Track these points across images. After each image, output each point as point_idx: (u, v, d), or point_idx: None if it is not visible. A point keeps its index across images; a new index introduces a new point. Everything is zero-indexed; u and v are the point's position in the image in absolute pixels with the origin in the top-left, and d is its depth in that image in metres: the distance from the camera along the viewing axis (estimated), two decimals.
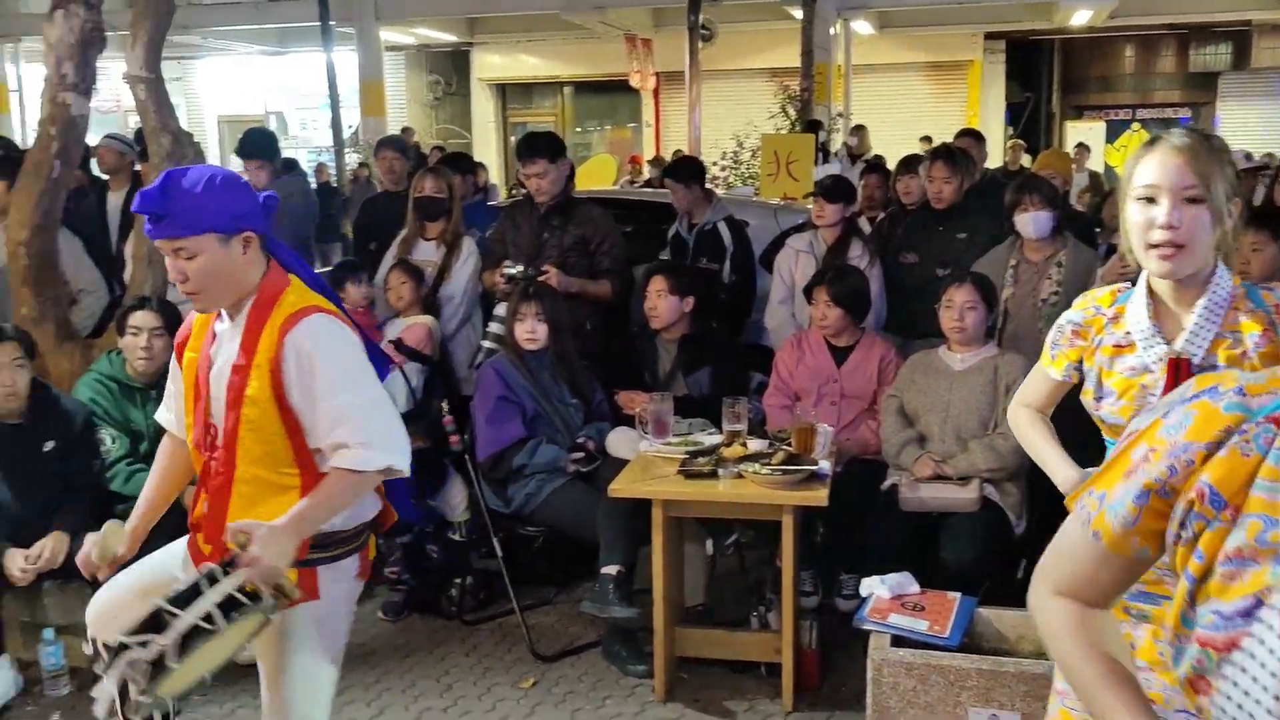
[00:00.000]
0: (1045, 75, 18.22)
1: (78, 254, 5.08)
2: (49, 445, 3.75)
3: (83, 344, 4.57)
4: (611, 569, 3.75)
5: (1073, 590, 1.28)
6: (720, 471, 3.61)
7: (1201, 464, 1.10)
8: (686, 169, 5.79)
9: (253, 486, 2.34)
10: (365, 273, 4.97)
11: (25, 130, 15.45)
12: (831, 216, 5.08)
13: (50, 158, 4.40)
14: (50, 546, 3.60)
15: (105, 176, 6.26)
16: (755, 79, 17.26)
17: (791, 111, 12.80)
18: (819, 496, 3.48)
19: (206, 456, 2.39)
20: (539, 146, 4.76)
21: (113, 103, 15.84)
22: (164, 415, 2.65)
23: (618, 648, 3.90)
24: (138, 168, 5.99)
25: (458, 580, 4.37)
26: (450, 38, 18.67)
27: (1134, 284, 2.05)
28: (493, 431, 4.12)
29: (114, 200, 6.00)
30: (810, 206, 5.68)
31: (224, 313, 2.37)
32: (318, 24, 12.46)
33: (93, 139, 5.56)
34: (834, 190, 5.15)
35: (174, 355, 2.51)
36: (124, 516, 3.59)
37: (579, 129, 19.90)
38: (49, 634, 3.75)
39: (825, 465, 3.63)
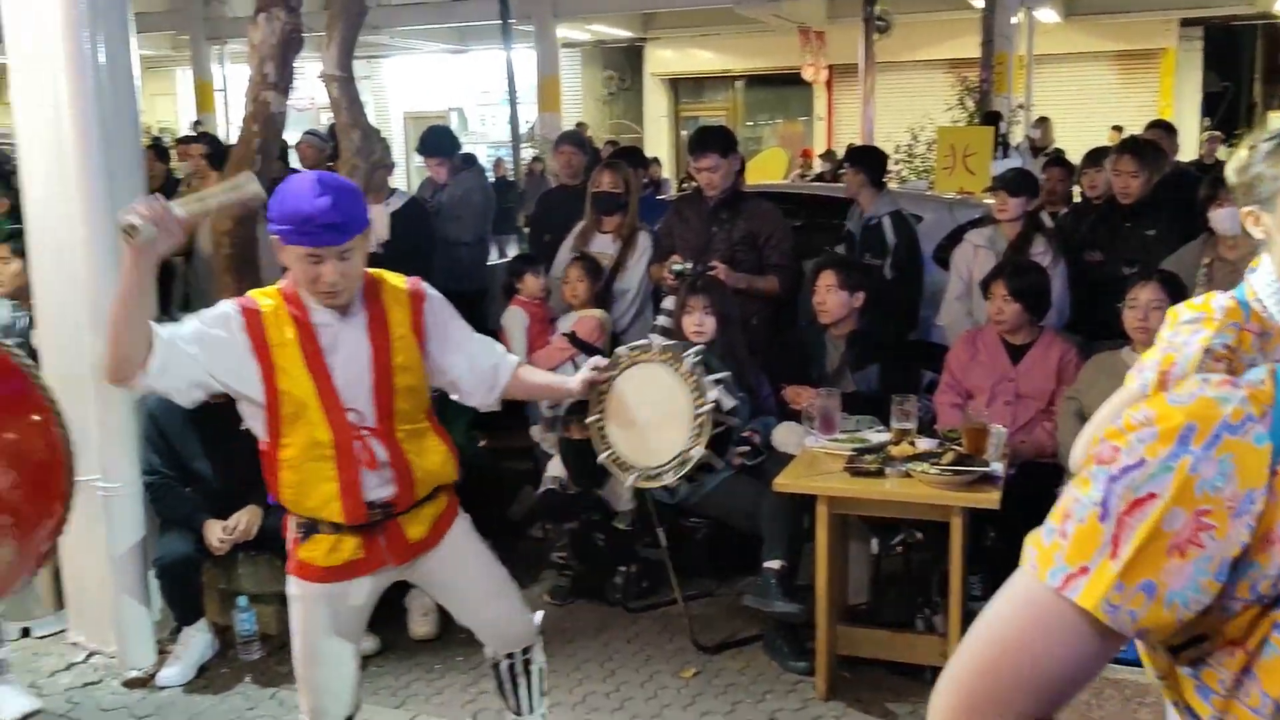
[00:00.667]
0: (1246, 63, 17.16)
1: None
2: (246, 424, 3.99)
3: None
4: (774, 564, 3.75)
5: (1047, 711, 1.02)
6: (887, 470, 3.57)
7: (1265, 511, 0.94)
8: (862, 154, 5.80)
9: (411, 441, 2.58)
10: (544, 265, 5.09)
11: (229, 127, 16.39)
12: (1014, 210, 4.93)
13: (252, 152, 4.65)
14: (245, 520, 3.84)
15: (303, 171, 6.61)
16: (932, 70, 16.85)
17: (970, 103, 12.45)
18: (990, 499, 3.40)
19: (357, 437, 2.50)
20: (711, 141, 4.78)
21: (307, 100, 16.64)
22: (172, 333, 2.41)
23: (779, 643, 3.90)
24: (331, 163, 6.29)
25: (622, 569, 4.44)
26: (625, 34, 18.89)
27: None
28: None
29: None
30: (987, 201, 5.53)
31: (316, 309, 2.47)
32: (498, 22, 12.77)
33: (289, 135, 5.87)
34: (1016, 183, 5.00)
35: (250, 346, 2.45)
36: None
37: (750, 123, 19.84)
38: (243, 601, 3.99)
39: (997, 467, 3.54)
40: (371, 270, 2.59)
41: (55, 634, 4.18)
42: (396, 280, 2.62)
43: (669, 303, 4.55)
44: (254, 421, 2.57)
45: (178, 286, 5.91)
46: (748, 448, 4.14)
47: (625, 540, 4.50)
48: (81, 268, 3.76)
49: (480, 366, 2.70)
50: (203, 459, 3.93)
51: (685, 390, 2.76)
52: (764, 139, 19.35)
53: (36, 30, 3.67)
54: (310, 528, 2.58)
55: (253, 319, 2.46)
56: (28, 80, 3.76)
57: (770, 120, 19.92)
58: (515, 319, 4.91)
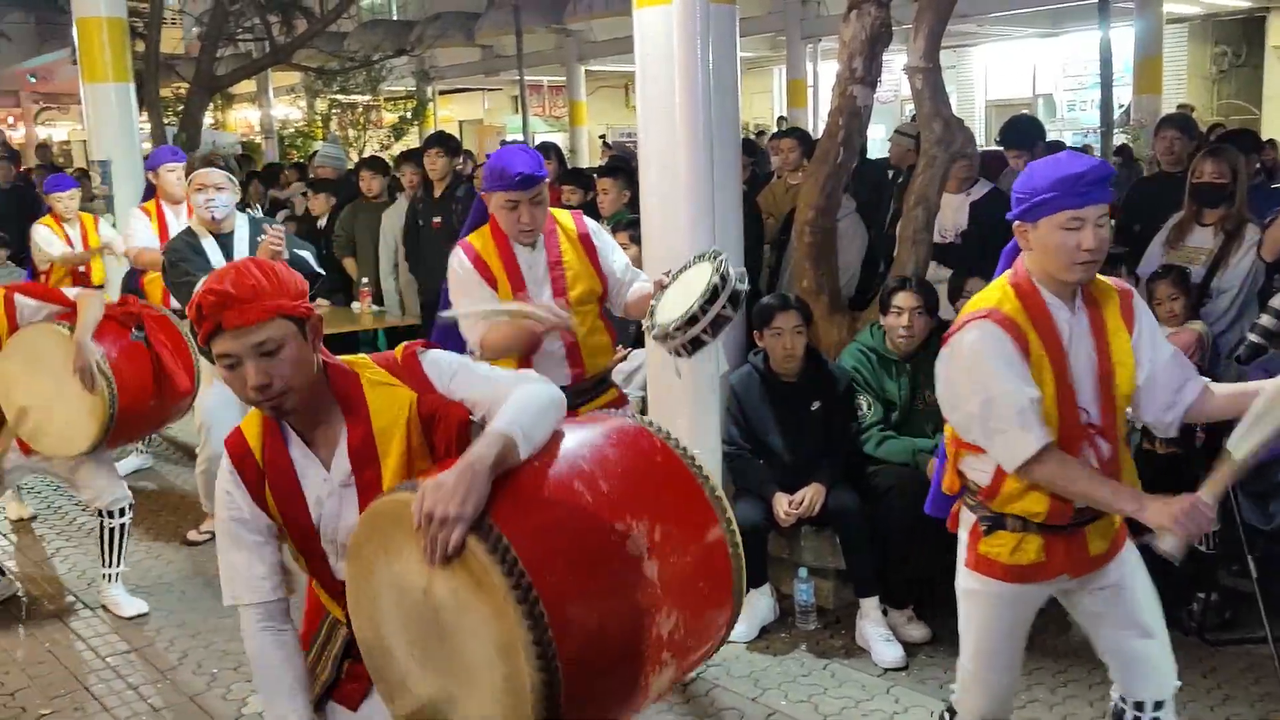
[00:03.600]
0: None
1: (849, 234, 5.57)
2: (815, 405, 4.19)
3: (849, 315, 5.01)
4: None
5: None
6: None
7: None
8: None
9: (1122, 444, 2.52)
10: (1125, 262, 4.74)
11: (816, 121, 17.15)
12: None
13: (836, 145, 4.85)
14: (810, 495, 4.03)
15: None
16: None
17: None
18: None
19: (1085, 436, 2.45)
20: None
21: (891, 93, 16.93)
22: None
23: None
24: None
25: (1201, 595, 4.04)
26: (1243, 4, 16.91)
27: None
28: None
29: None
30: None
31: (1054, 303, 2.44)
32: (1095, 1, 12.09)
33: (873, 130, 6.03)
34: None
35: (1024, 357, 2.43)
36: (870, 477, 3.91)
37: None
38: (803, 573, 4.21)
39: None
40: None
41: None
42: (1103, 278, 2.55)
43: (1277, 301, 4.03)
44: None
45: (763, 276, 6.32)
46: None
47: (1205, 564, 4.09)
48: (685, 250, 4.15)
49: (1163, 379, 2.50)
50: (776, 435, 4.19)
51: None
52: None
53: (661, 42, 4.11)
54: (996, 522, 2.53)
55: (1019, 336, 2.43)
56: (651, 86, 4.23)
57: None
58: None
